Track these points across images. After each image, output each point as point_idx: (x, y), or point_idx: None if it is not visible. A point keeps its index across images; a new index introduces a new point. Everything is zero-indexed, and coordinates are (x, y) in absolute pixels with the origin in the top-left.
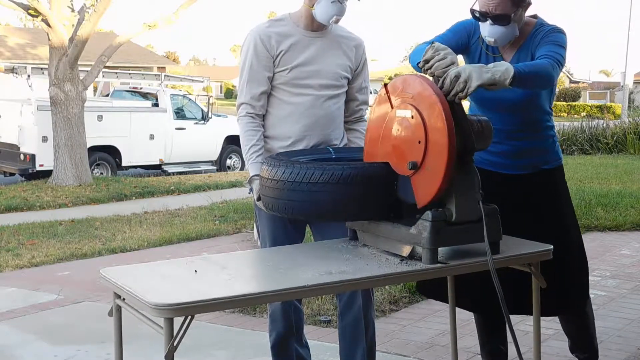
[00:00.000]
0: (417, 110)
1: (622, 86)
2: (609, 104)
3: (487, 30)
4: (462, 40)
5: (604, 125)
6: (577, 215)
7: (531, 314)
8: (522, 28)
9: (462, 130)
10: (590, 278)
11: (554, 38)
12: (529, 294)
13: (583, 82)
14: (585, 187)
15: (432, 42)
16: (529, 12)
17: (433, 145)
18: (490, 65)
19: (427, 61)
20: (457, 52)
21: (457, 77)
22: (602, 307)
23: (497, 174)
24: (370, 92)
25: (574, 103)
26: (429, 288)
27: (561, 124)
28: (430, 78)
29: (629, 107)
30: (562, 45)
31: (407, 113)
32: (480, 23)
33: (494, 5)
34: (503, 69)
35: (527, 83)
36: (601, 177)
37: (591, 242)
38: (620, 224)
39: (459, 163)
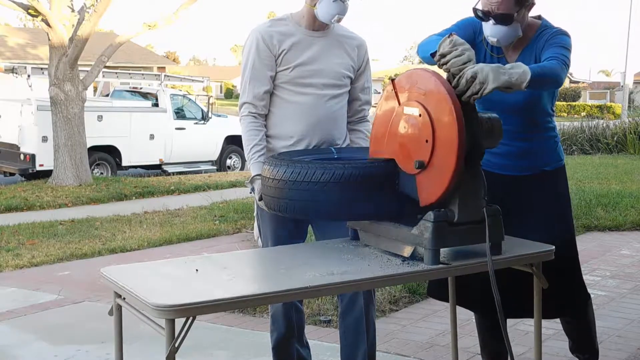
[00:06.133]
0: (425, 108)
1: (622, 86)
2: (609, 104)
3: (490, 30)
4: (469, 36)
5: (604, 125)
6: (577, 215)
7: (533, 317)
8: (526, 29)
9: (472, 131)
10: (591, 278)
11: (559, 40)
12: (531, 297)
13: (583, 82)
14: (585, 187)
15: (449, 34)
16: (534, 13)
17: (441, 145)
18: (507, 66)
19: (443, 55)
20: None
21: (474, 77)
22: (602, 307)
23: (498, 175)
24: (372, 92)
25: (574, 103)
26: (438, 290)
27: (561, 124)
28: (444, 73)
29: (629, 107)
30: (568, 48)
31: (415, 111)
32: (483, 23)
33: (497, 5)
34: (520, 71)
35: (538, 85)
36: (601, 177)
37: (591, 242)
38: (620, 224)
39: (466, 164)
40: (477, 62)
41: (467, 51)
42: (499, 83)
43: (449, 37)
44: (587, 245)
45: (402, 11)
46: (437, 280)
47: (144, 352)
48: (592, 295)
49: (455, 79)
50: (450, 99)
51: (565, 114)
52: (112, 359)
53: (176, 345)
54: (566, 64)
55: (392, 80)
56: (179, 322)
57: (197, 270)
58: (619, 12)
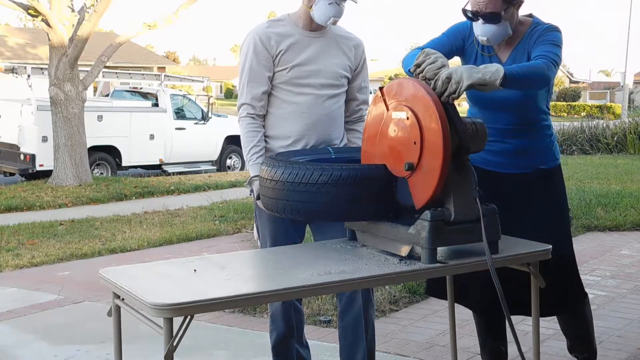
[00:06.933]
0: (413, 111)
1: (622, 86)
2: (609, 104)
3: (479, 30)
4: (457, 43)
5: (604, 125)
6: (577, 215)
7: (530, 315)
8: (517, 27)
9: (456, 130)
10: (590, 278)
11: (550, 37)
12: (529, 294)
13: (583, 82)
14: (585, 187)
15: (423, 48)
16: (525, 11)
17: (428, 146)
18: (481, 66)
19: (418, 65)
20: (452, 55)
21: (449, 78)
22: (602, 307)
23: (495, 173)
24: (370, 92)
25: (574, 103)
26: (436, 288)
27: (561, 124)
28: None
29: (629, 107)
30: (558, 45)
31: (403, 114)
32: (473, 23)
33: (484, 4)
34: (493, 69)
35: (520, 84)
36: (601, 177)
37: (591, 242)
38: (620, 224)
39: (455, 163)
40: (469, 63)
41: (440, 58)
42: (472, 80)
43: (422, 51)
44: (587, 245)
45: (402, 11)
46: (435, 277)
47: (144, 352)
48: (592, 295)
49: (432, 83)
50: (434, 104)
51: (565, 114)
52: (112, 359)
53: (174, 344)
54: (554, 62)
55: (381, 88)
56: (177, 322)
57: (195, 270)
58: (618, 11)
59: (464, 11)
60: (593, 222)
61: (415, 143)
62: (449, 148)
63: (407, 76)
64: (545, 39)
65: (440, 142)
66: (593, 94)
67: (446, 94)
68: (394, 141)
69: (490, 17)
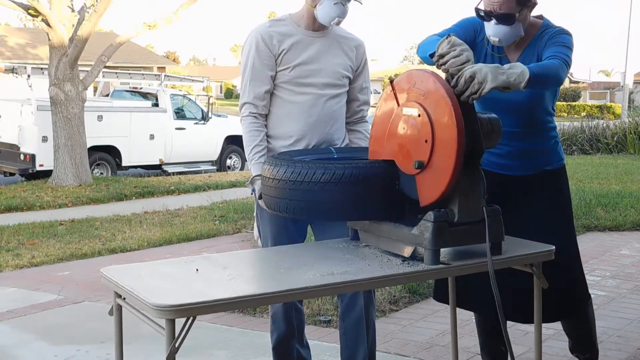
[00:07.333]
0: (424, 108)
1: (622, 86)
2: (609, 104)
3: (492, 30)
4: (469, 36)
5: (604, 125)
6: (577, 215)
7: (532, 322)
8: (527, 29)
9: (471, 131)
10: (590, 278)
11: (561, 39)
12: (531, 301)
13: (583, 82)
14: (585, 187)
15: (447, 34)
16: (535, 12)
17: (441, 145)
18: (506, 66)
19: (442, 56)
20: None
21: (472, 77)
22: (602, 307)
23: (500, 175)
24: (372, 93)
25: (574, 103)
26: (444, 295)
27: (561, 124)
28: (442, 74)
29: (629, 107)
30: (569, 47)
31: (414, 111)
32: (485, 22)
33: (499, 5)
34: (519, 71)
35: (538, 85)
36: (601, 177)
37: (591, 242)
38: (620, 224)
39: (466, 164)
40: (478, 61)
41: (465, 51)
42: (497, 83)
43: (447, 38)
44: (587, 245)
45: (402, 11)
46: (442, 284)
47: (144, 352)
48: (592, 295)
49: (454, 79)
50: (449, 100)
51: (565, 114)
52: (112, 359)
53: (176, 345)
54: (567, 63)
55: (391, 81)
56: (179, 322)
57: (197, 270)
58: (618, 11)
59: (477, 10)
60: (593, 222)
61: (426, 141)
62: (463, 149)
63: (423, 62)
64: (557, 41)
65: (455, 143)
66: (593, 94)
67: (467, 93)
68: (403, 138)
69: (504, 18)
